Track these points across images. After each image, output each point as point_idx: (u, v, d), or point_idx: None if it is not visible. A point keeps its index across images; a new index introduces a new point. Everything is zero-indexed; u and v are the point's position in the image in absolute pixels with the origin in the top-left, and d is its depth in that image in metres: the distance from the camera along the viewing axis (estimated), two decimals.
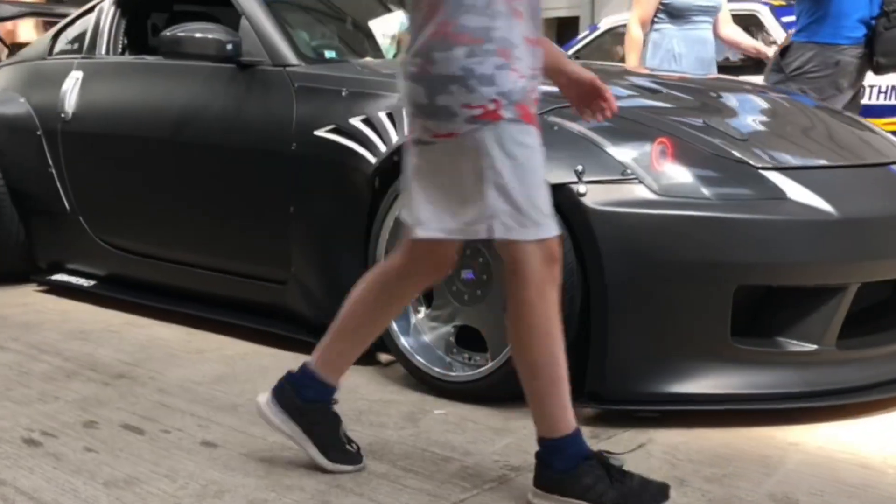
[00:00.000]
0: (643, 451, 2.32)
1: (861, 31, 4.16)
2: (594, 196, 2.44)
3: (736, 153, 2.58)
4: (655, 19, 4.50)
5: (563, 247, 2.37)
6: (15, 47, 6.23)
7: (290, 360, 2.99)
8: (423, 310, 2.82)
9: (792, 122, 3.00)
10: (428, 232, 1.95)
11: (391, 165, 2.80)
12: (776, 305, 2.55)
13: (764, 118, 2.99)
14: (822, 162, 2.72)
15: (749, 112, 2.99)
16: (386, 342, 2.82)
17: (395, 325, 2.76)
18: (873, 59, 4.17)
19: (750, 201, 2.48)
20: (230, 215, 3.30)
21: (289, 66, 3.21)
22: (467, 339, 2.76)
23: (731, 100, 3.07)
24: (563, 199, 2.46)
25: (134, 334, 3.37)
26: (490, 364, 2.60)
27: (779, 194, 2.50)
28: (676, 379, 2.47)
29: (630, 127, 2.61)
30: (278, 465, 2.22)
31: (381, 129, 2.84)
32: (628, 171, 2.47)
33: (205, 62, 3.32)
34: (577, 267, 2.47)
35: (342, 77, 3.10)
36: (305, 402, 2.16)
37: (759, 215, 2.45)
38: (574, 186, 2.45)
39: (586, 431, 2.38)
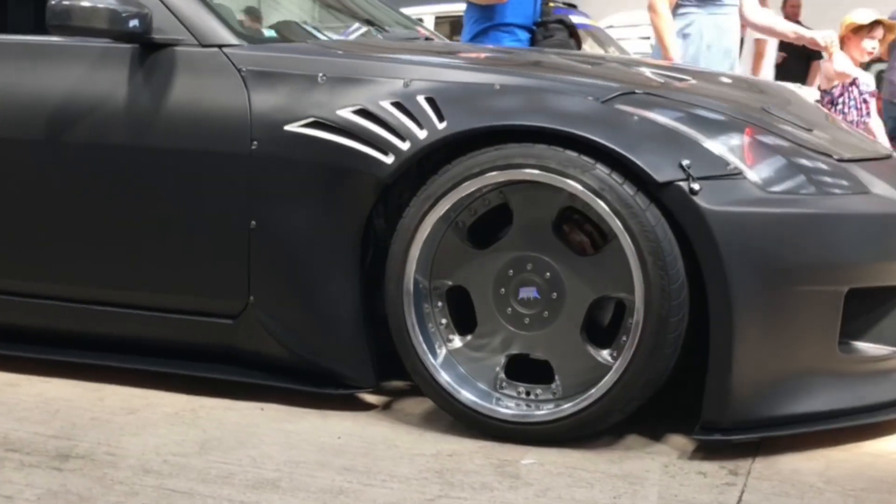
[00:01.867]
0: (804, 484, 2.02)
1: (525, 36, 4.18)
2: (708, 195, 2.10)
3: (815, 144, 2.36)
4: (680, 2, 4.02)
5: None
6: None
7: (258, 413, 2.44)
8: (457, 339, 2.34)
9: (802, 111, 2.83)
10: None
11: (414, 167, 2.31)
12: (853, 309, 2.35)
13: (786, 104, 2.78)
14: (870, 153, 2.57)
15: (768, 97, 2.77)
16: (425, 390, 2.33)
17: (445, 376, 2.28)
18: None
19: (847, 196, 2.27)
20: (148, 235, 2.59)
21: (225, 46, 2.57)
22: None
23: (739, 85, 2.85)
24: (669, 199, 2.12)
25: (18, 397, 2.54)
26: (576, 400, 2.18)
27: (864, 188, 2.30)
28: (794, 398, 2.19)
29: (711, 116, 2.31)
30: None
31: (394, 122, 2.31)
32: (731, 166, 2.16)
33: (101, 41, 2.60)
34: (685, 278, 2.13)
35: (315, 60, 2.52)
36: None
37: (866, 210, 2.24)
38: (683, 184, 2.11)
39: (713, 467, 2.08)
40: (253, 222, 2.45)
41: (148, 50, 2.59)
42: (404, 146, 2.29)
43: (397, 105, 2.34)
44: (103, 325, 2.68)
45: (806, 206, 2.18)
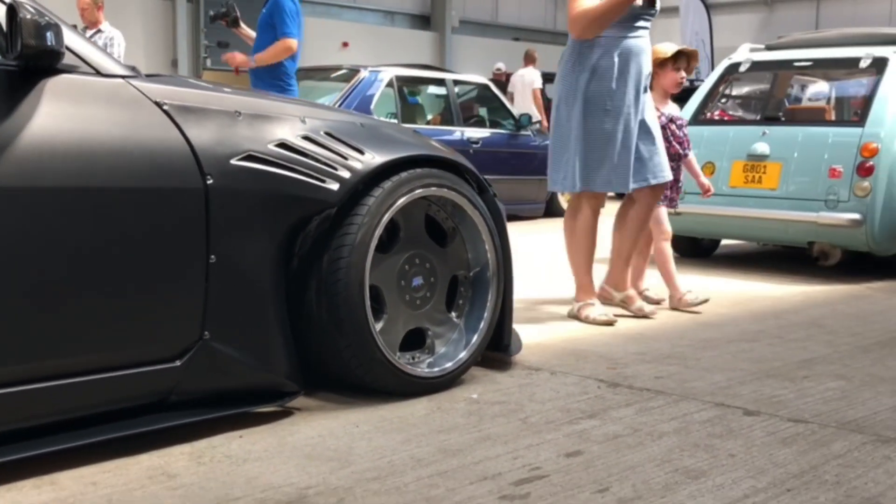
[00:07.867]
0: (581, 353, 3.35)
1: None
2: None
3: None
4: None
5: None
6: None
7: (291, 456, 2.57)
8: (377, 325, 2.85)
9: None
10: None
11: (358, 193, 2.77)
12: None
13: None
14: None
15: None
16: (383, 375, 2.80)
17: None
18: None
19: None
20: (75, 290, 2.26)
21: (127, 77, 2.42)
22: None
23: None
24: (488, 202, 3.14)
25: None
26: (462, 354, 3.02)
27: None
28: None
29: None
30: None
31: (324, 154, 2.71)
32: None
33: None
34: None
35: (222, 96, 2.58)
36: None
37: None
38: (491, 190, 3.17)
39: (529, 368, 3.28)
40: (212, 257, 2.48)
41: (36, 74, 2.27)
42: (346, 174, 2.73)
43: (309, 139, 2.72)
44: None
45: None
